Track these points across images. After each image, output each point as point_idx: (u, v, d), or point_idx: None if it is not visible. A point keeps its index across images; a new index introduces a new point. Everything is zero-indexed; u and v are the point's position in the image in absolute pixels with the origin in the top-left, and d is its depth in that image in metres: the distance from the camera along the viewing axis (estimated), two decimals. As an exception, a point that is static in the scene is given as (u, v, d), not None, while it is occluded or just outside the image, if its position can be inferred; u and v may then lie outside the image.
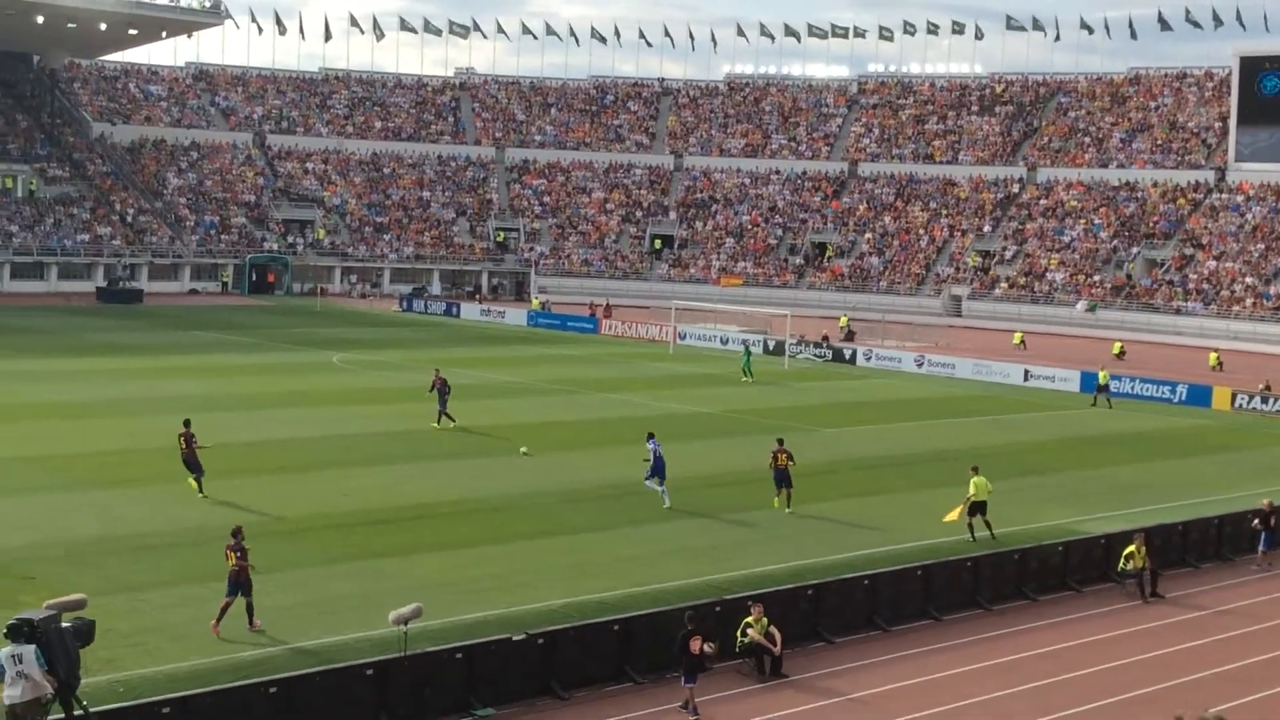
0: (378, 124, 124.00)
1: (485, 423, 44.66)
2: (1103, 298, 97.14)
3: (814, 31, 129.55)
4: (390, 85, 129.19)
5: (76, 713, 16.43)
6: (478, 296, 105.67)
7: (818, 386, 61.83)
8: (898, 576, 26.39)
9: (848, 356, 72.78)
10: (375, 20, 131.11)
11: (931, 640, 24.85)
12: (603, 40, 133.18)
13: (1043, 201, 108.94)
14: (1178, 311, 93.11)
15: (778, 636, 22.66)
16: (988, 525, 31.08)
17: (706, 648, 21.06)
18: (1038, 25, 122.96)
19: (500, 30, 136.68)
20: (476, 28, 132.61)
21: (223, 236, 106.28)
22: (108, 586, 24.34)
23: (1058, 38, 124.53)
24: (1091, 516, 34.31)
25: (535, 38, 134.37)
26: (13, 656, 15.68)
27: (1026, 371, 66.00)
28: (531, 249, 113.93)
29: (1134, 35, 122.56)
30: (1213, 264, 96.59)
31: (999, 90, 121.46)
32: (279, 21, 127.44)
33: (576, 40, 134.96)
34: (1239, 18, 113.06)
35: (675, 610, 22.48)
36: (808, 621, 24.53)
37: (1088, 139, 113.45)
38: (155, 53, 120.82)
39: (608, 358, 69.70)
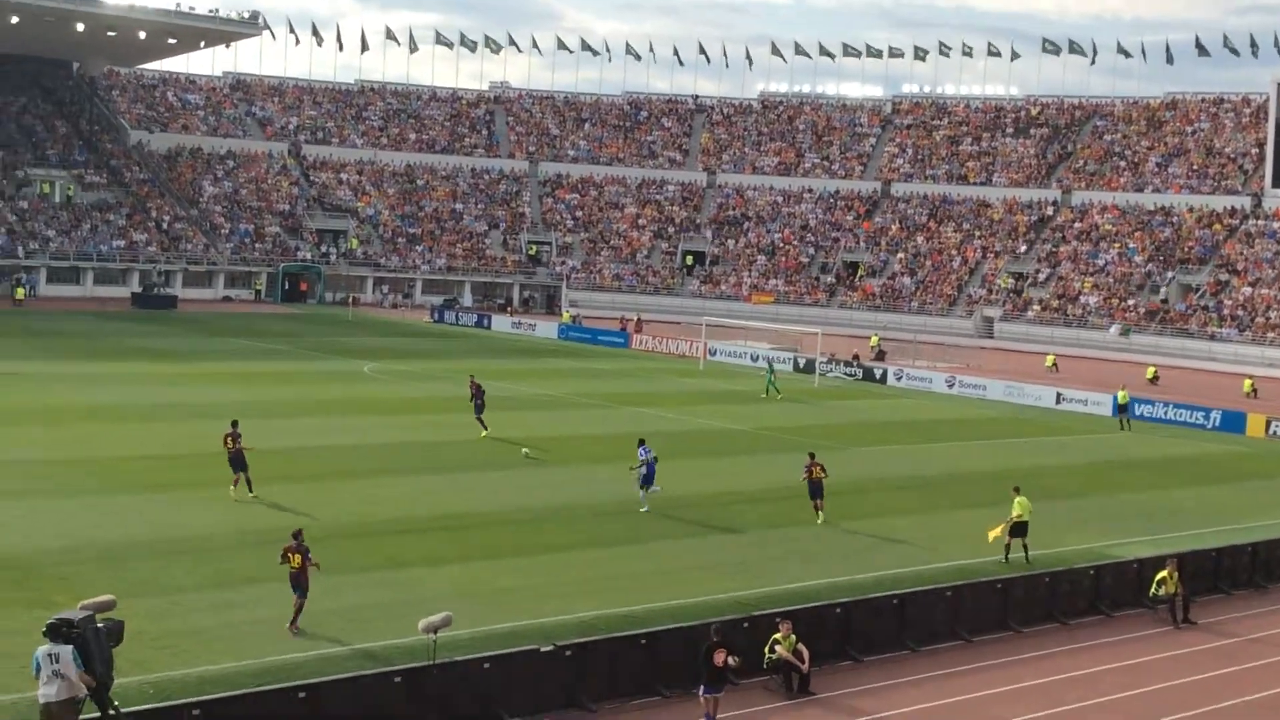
0: (412, 136, 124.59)
1: (516, 435, 44.70)
2: (1136, 322, 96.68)
3: (849, 51, 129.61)
4: (425, 98, 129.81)
5: (109, 712, 16.53)
6: (509, 309, 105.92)
7: (848, 405, 61.69)
8: (927, 596, 26.27)
9: (878, 376, 72.59)
10: (411, 33, 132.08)
11: (960, 661, 24.73)
12: (637, 57, 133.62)
13: (1077, 224, 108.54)
14: (1212, 337, 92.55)
15: (806, 654, 22.61)
16: (1025, 548, 30.97)
17: (730, 661, 21.05)
18: (1074, 48, 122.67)
19: (534, 45, 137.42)
20: (511, 42, 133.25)
21: (257, 245, 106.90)
22: (139, 589, 24.46)
23: (1094, 60, 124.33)
24: (1123, 541, 34.09)
25: (570, 52, 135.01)
26: (49, 655, 15.79)
27: (1059, 394, 65.73)
28: (563, 263, 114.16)
29: (1170, 60, 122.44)
30: (1248, 290, 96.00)
31: (1034, 112, 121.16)
32: (316, 33, 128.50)
33: (610, 56, 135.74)
34: (1277, 44, 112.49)
35: (703, 625, 22.43)
36: (836, 639, 24.44)
37: (1123, 163, 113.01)
38: (193, 62, 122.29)
39: (638, 372, 69.72)
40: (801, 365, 74.39)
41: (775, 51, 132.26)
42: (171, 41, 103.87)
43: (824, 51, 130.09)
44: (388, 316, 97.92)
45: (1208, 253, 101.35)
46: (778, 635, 22.72)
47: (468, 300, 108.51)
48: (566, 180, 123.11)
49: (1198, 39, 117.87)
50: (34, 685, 15.92)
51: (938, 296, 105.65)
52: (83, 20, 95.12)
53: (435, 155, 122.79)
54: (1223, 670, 25.22)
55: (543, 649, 21.50)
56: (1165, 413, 61.94)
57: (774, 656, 22.64)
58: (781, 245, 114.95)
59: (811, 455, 35.16)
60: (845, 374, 73.55)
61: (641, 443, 35.32)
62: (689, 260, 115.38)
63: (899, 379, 71.66)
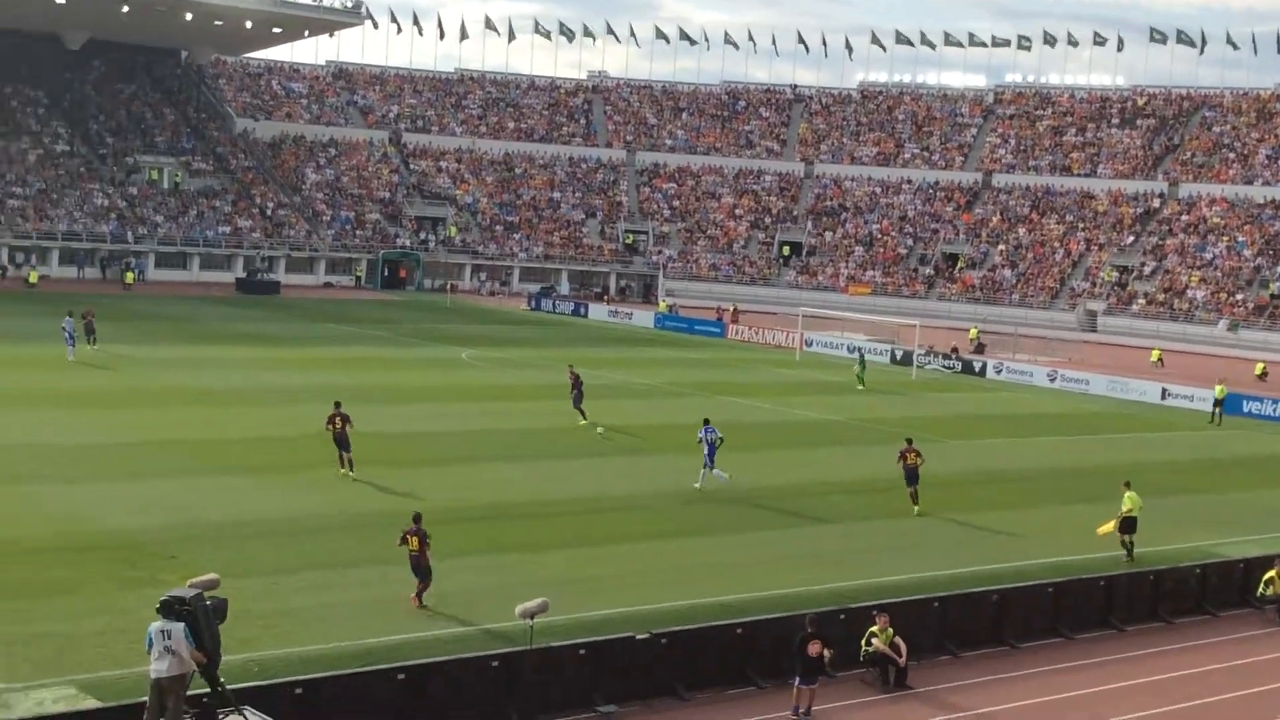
0: (510, 124, 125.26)
1: (613, 423, 44.81)
2: (1245, 317, 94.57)
3: (950, 40, 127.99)
4: (524, 87, 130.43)
5: (217, 689, 16.82)
6: (605, 297, 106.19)
7: (946, 398, 61.07)
8: (1029, 592, 25.94)
9: (978, 369, 71.77)
10: (510, 22, 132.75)
11: (1062, 659, 24.37)
12: (735, 46, 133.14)
13: (1184, 217, 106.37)
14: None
15: (903, 647, 22.41)
16: (1131, 545, 30.47)
17: (825, 653, 20.96)
18: (1182, 38, 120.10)
19: (632, 34, 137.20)
20: (609, 31, 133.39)
21: (357, 232, 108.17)
22: (243, 569, 24.85)
23: (1202, 51, 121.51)
24: (1229, 540, 33.40)
25: (668, 42, 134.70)
26: (162, 632, 16.10)
27: (1164, 390, 64.50)
28: (660, 252, 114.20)
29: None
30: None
31: (1140, 103, 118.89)
32: (417, 22, 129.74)
33: (708, 45, 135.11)
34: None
35: (798, 616, 22.34)
36: (934, 634, 24.21)
37: (1232, 155, 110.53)
38: (297, 51, 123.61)
39: (734, 362, 69.57)
40: (899, 357, 73.74)
41: (875, 41, 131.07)
42: (276, 31, 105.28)
43: (925, 41, 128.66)
44: (485, 304, 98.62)
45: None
46: (874, 628, 22.54)
47: (564, 288, 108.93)
48: (663, 169, 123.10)
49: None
50: (145, 660, 16.23)
51: (1039, 289, 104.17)
52: (190, 10, 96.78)
53: (533, 144, 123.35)
54: (1333, 674, 24.63)
55: (638, 637, 21.52)
56: (1275, 410, 60.53)
57: (870, 649, 22.48)
58: (879, 236, 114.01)
59: (909, 441, 35.20)
60: (944, 366, 72.76)
61: (706, 423, 35.82)
62: (785, 251, 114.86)
63: (999, 372, 70.78)
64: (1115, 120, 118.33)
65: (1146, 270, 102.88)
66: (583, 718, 20.04)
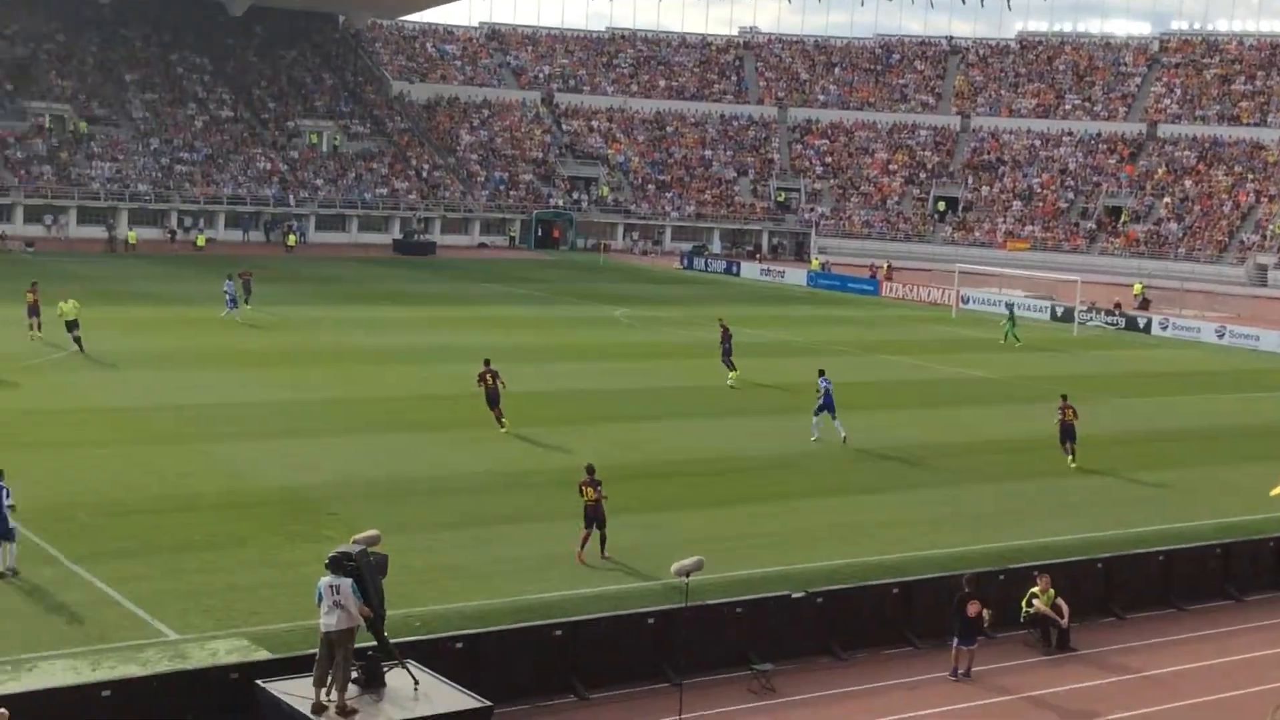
0: (661, 83, 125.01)
1: (767, 380, 44.64)
2: None
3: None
4: (675, 44, 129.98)
5: (382, 642, 17.23)
6: (758, 256, 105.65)
7: (1110, 355, 59.59)
8: (1196, 553, 25.27)
9: (1142, 325, 69.87)
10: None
11: (1232, 621, 23.71)
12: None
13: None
14: None
15: (1065, 609, 22.00)
16: (1299, 505, 29.49)
17: (985, 613, 20.65)
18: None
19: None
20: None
21: (511, 192, 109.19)
22: (402, 525, 25.30)
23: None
24: None
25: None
26: (331, 587, 16.53)
27: (1339, 346, 62.14)
28: (812, 209, 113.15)
29: None
30: None
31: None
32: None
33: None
34: None
35: (956, 576, 22.01)
36: (1097, 595, 23.70)
37: None
38: (451, 13, 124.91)
39: (889, 320, 68.76)
40: (1060, 314, 72.10)
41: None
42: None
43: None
44: (638, 263, 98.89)
45: None
46: (1035, 589, 22.16)
47: (716, 247, 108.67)
48: (816, 126, 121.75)
49: None
50: (308, 613, 16.67)
51: (1207, 243, 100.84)
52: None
53: (685, 102, 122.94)
54: None
55: (794, 595, 21.45)
56: None
57: (1031, 610, 22.11)
58: (1039, 190, 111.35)
59: (1064, 397, 34.95)
60: (1106, 323, 71.00)
61: (821, 373, 36.00)
62: (941, 206, 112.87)
63: (1164, 329, 68.82)
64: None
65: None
66: (739, 675, 20.05)
